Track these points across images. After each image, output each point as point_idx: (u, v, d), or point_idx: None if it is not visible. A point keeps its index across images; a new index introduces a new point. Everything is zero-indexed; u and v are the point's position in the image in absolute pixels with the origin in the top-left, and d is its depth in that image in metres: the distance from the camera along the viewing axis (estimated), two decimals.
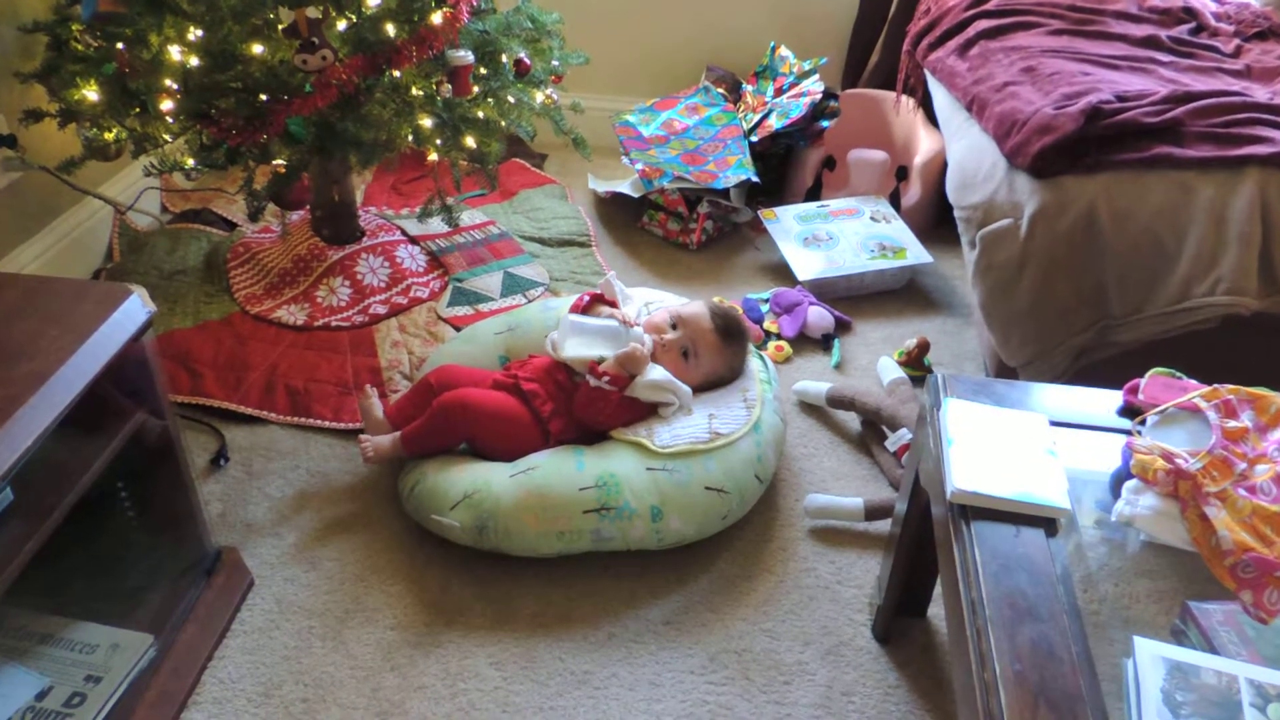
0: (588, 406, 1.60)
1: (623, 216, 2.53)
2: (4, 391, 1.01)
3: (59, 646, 1.25)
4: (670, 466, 1.53)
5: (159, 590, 1.37)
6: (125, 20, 1.63)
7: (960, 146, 1.93)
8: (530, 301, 2.14)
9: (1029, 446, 1.15)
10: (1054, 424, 1.21)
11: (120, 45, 1.65)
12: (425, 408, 1.61)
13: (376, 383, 1.88)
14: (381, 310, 2.07)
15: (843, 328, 2.17)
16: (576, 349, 1.64)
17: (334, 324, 2.02)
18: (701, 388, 1.70)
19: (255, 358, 1.92)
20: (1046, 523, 1.07)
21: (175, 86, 1.65)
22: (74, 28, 1.74)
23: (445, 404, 1.57)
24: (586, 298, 1.77)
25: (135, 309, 1.16)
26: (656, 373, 1.62)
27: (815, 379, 1.97)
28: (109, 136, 1.77)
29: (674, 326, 1.70)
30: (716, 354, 1.69)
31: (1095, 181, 1.60)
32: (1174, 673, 0.92)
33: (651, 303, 1.86)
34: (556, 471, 1.50)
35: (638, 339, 1.65)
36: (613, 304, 1.78)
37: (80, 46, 1.72)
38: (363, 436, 1.62)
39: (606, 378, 1.58)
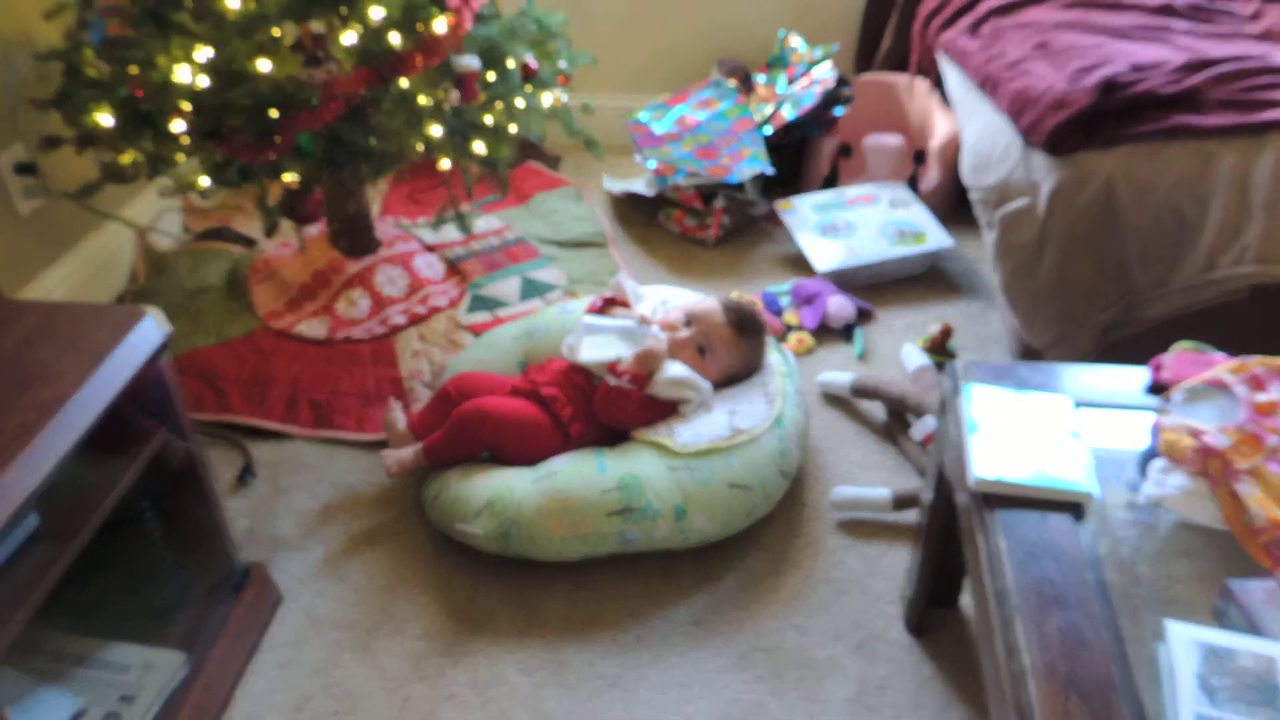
0: (608, 407, 1.59)
1: (639, 215, 2.53)
2: (23, 418, 1.02)
3: (93, 667, 1.26)
4: (692, 465, 1.52)
5: (189, 608, 1.38)
6: (134, 43, 1.65)
7: (974, 127, 1.91)
8: (548, 305, 2.14)
9: (1053, 430, 1.13)
10: (1080, 405, 1.19)
11: (131, 69, 1.67)
12: (446, 417, 1.61)
13: (398, 393, 1.88)
14: (401, 320, 2.07)
15: (865, 317, 2.15)
16: (594, 351, 1.64)
17: (354, 336, 2.02)
18: (720, 384, 1.69)
19: (278, 373, 1.93)
20: (1073, 507, 1.05)
21: (186, 107, 1.67)
22: (87, 53, 1.76)
23: (464, 414, 1.57)
24: (600, 300, 1.77)
25: (151, 330, 1.16)
26: (675, 369, 1.62)
27: (839, 370, 1.97)
28: (125, 160, 1.79)
29: (688, 324, 1.69)
30: (732, 349, 1.68)
31: (1113, 156, 1.58)
32: (1209, 657, 0.89)
33: (666, 300, 1.85)
34: (578, 475, 1.50)
35: (655, 336, 1.65)
36: (625, 305, 1.78)
37: (93, 72, 1.75)
38: (385, 452, 1.63)
39: (626, 377, 1.57)
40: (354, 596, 1.51)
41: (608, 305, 1.77)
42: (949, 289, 2.24)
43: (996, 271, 1.77)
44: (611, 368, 1.59)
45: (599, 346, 1.64)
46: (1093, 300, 1.64)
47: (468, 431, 1.57)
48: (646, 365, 1.60)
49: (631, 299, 1.80)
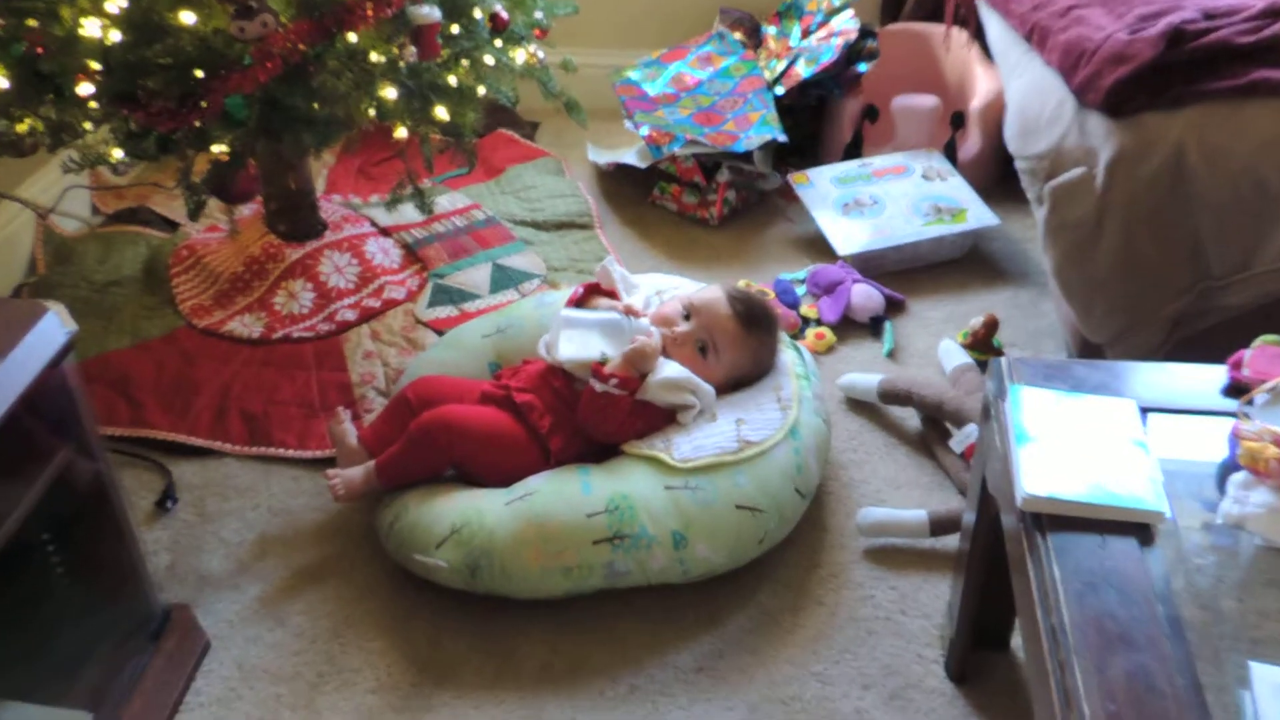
0: (594, 416, 1.59)
1: (630, 191, 2.52)
2: None
3: None
4: (693, 483, 1.53)
5: (98, 660, 1.36)
6: None
7: (1020, 85, 1.91)
8: (524, 296, 2.14)
9: (1115, 439, 1.13)
10: (1146, 410, 1.19)
11: (30, 21, 1.66)
12: (404, 429, 1.61)
13: (347, 401, 1.88)
14: (350, 316, 2.07)
15: (895, 308, 2.15)
16: (573, 350, 1.64)
17: (296, 335, 2.02)
18: (725, 389, 1.69)
19: (205, 379, 1.93)
20: (1139, 529, 1.05)
21: (95, 66, 1.66)
22: None
23: (425, 426, 1.57)
24: (581, 290, 1.77)
25: (52, 330, 1.15)
26: (671, 369, 1.62)
27: (864, 370, 1.96)
28: (22, 128, 1.78)
29: (687, 317, 1.69)
30: (739, 346, 1.68)
31: (1182, 117, 1.58)
32: None
33: (662, 290, 1.86)
34: (559, 496, 1.50)
35: (644, 331, 1.65)
36: (612, 294, 1.78)
37: None
38: (332, 471, 1.62)
39: (614, 380, 1.58)
40: (295, 644, 1.50)
41: (590, 295, 1.77)
42: (993, 275, 2.24)
43: (1048, 254, 1.77)
44: (596, 370, 1.60)
45: (579, 344, 1.64)
46: (1160, 287, 1.63)
47: (429, 446, 1.57)
48: (636, 366, 1.60)
49: (620, 288, 1.80)
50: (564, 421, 1.62)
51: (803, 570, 1.61)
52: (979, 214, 2.27)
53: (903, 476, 1.77)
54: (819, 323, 2.10)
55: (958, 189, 2.33)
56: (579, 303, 1.75)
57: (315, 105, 1.73)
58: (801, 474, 1.60)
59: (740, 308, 1.69)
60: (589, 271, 2.20)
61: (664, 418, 1.63)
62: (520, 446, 1.59)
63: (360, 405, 1.88)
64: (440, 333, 2.02)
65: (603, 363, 1.61)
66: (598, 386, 1.58)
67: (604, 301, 1.75)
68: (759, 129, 2.40)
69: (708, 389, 1.64)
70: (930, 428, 1.83)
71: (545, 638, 1.50)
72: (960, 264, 2.27)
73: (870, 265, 2.21)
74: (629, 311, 1.69)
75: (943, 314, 2.14)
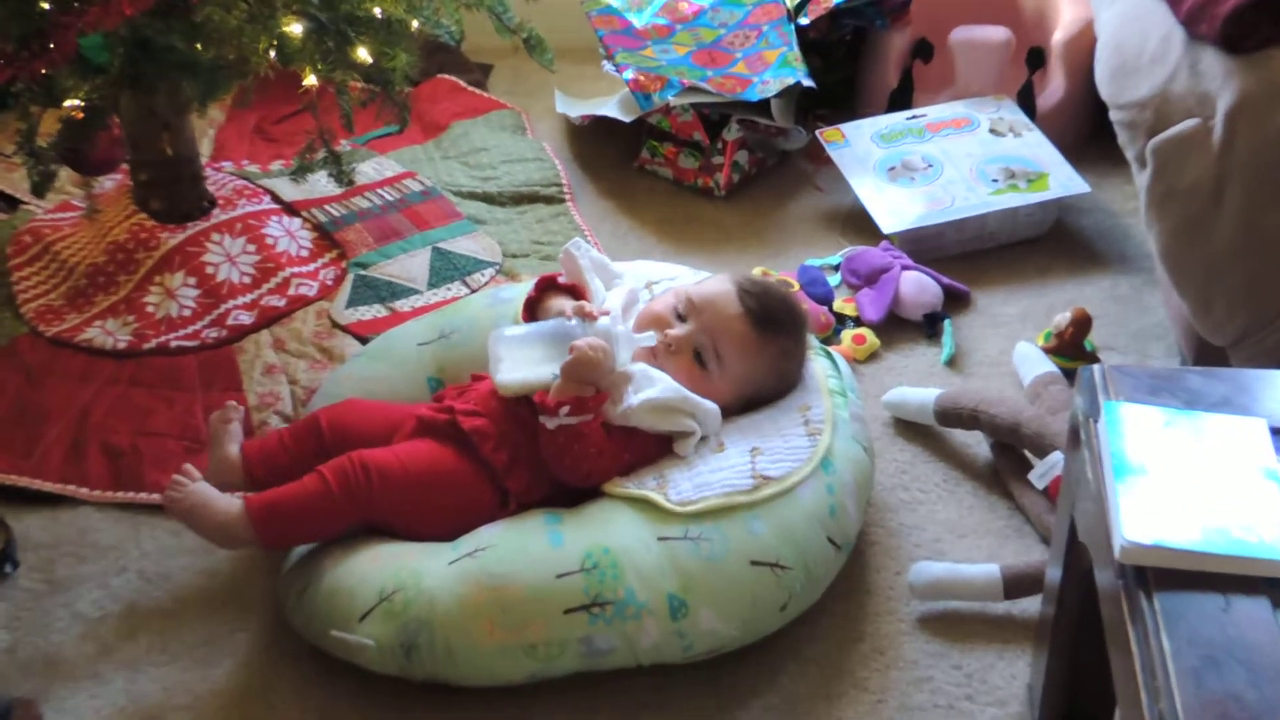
0: (560, 459, 1.58)
1: (612, 152, 2.52)
2: None
3: None
4: (695, 532, 1.51)
5: None
6: None
7: (1113, 14, 1.92)
8: (474, 292, 2.13)
9: (1241, 469, 1.13)
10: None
11: None
12: (306, 462, 1.60)
13: (244, 429, 1.85)
14: (246, 319, 2.07)
15: (956, 302, 2.16)
16: (514, 371, 1.62)
17: (175, 345, 2.02)
18: (735, 409, 1.69)
19: (55, 405, 1.92)
20: (1272, 587, 1.05)
21: None
22: None
23: (340, 473, 1.54)
24: (534, 289, 1.76)
25: None
26: (660, 388, 1.61)
27: (917, 384, 1.96)
28: None
29: (682, 317, 1.69)
30: (752, 354, 1.67)
31: None
32: None
33: (654, 282, 1.86)
34: (520, 551, 1.49)
35: (603, 334, 1.62)
36: (576, 291, 1.77)
37: None
38: (187, 469, 1.58)
39: (564, 408, 1.57)
40: None
41: (547, 294, 1.76)
42: (1083, 258, 2.25)
43: (1153, 230, 1.77)
44: (539, 401, 1.57)
45: (521, 364, 1.62)
46: None
47: (342, 500, 1.54)
48: (581, 382, 1.57)
49: (592, 280, 1.79)
50: (526, 455, 1.60)
51: (839, 645, 1.59)
52: (1063, 179, 2.27)
53: (968, 521, 1.76)
54: (858, 322, 2.10)
55: (1036, 147, 2.33)
56: (532, 304, 1.76)
57: (198, 46, 1.73)
58: (836, 519, 1.59)
59: (753, 304, 1.68)
60: (558, 258, 2.19)
61: (656, 447, 1.62)
62: (468, 489, 1.58)
63: (259, 434, 1.86)
64: (364, 340, 2.02)
65: (549, 388, 1.60)
66: (549, 423, 1.57)
67: (558, 304, 1.73)
68: (778, 71, 2.40)
69: (710, 409, 1.63)
70: (1003, 457, 1.82)
71: None
72: (1040, 244, 2.28)
73: (924, 247, 2.22)
74: (581, 315, 1.67)
75: (1018, 309, 2.14)
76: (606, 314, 1.69)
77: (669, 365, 1.66)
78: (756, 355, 1.68)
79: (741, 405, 1.70)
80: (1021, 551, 1.70)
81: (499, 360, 1.64)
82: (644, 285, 1.85)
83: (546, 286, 1.77)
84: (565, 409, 1.56)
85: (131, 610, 1.64)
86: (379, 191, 2.36)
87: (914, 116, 2.43)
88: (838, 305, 2.12)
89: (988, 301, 2.15)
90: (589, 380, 1.58)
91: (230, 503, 1.56)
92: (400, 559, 1.53)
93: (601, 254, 1.87)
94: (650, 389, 1.61)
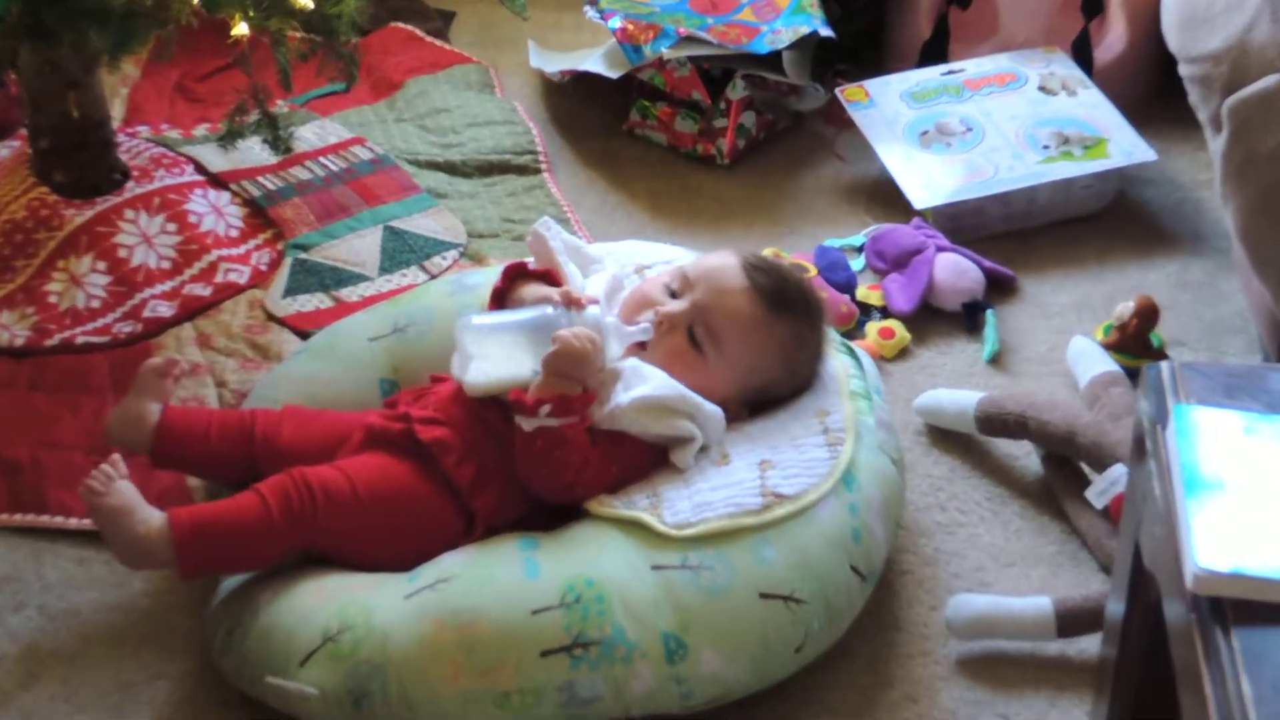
0: (537, 469, 1.57)
1: (596, 115, 2.53)
2: None
3: None
4: (695, 560, 1.51)
5: None
6: None
7: None
8: (433, 278, 2.13)
9: None
10: None
11: None
12: (225, 464, 1.62)
13: None
14: (166, 310, 2.07)
15: (1000, 289, 2.16)
16: (489, 369, 1.61)
17: (82, 340, 2.02)
18: (738, 405, 1.69)
19: None
20: None
21: None
22: None
23: (282, 493, 1.53)
24: (501, 278, 1.75)
25: None
26: (654, 383, 1.60)
27: (955, 385, 1.96)
28: None
29: (675, 294, 1.68)
30: (756, 336, 1.66)
31: None
32: None
33: (646, 266, 1.86)
34: (489, 583, 1.49)
35: (591, 324, 1.62)
36: (551, 278, 1.75)
37: None
38: (104, 469, 1.54)
39: (545, 407, 1.56)
40: None
41: (516, 282, 1.75)
42: (1149, 238, 2.26)
43: (1230, 205, 1.77)
44: (517, 399, 1.56)
45: (497, 359, 1.61)
46: None
47: (285, 523, 1.52)
48: (566, 376, 1.56)
49: (565, 264, 1.77)
50: (495, 469, 1.60)
51: (865, 692, 1.58)
52: (1125, 145, 2.26)
53: (1015, 546, 1.75)
54: (885, 313, 2.10)
55: (1092, 108, 2.33)
56: (500, 295, 1.75)
57: None
58: (860, 544, 1.58)
59: (762, 279, 1.67)
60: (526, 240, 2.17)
61: (648, 458, 1.62)
62: (427, 510, 1.58)
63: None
64: (305, 335, 2.01)
65: (527, 386, 1.59)
66: (526, 424, 1.56)
67: (532, 290, 1.73)
68: (790, 19, 2.40)
69: (711, 410, 1.62)
70: (1056, 472, 1.81)
71: None
72: (1099, 222, 2.28)
73: (963, 224, 2.22)
74: (567, 303, 1.66)
75: (1073, 298, 2.14)
76: (595, 302, 1.70)
77: (661, 352, 1.65)
78: (762, 339, 1.67)
79: (745, 404, 1.69)
80: (1077, 582, 1.69)
81: (468, 355, 1.63)
82: (633, 270, 1.84)
83: (516, 275, 1.75)
84: (546, 408, 1.55)
85: (31, 652, 1.62)
86: (322, 160, 2.34)
87: (950, 72, 2.42)
88: (861, 293, 2.12)
89: (1037, 288, 2.15)
90: (575, 376, 1.57)
91: (152, 515, 1.54)
92: (348, 592, 1.52)
93: (581, 236, 1.87)
94: (642, 385, 1.60)
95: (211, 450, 1.66)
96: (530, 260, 1.78)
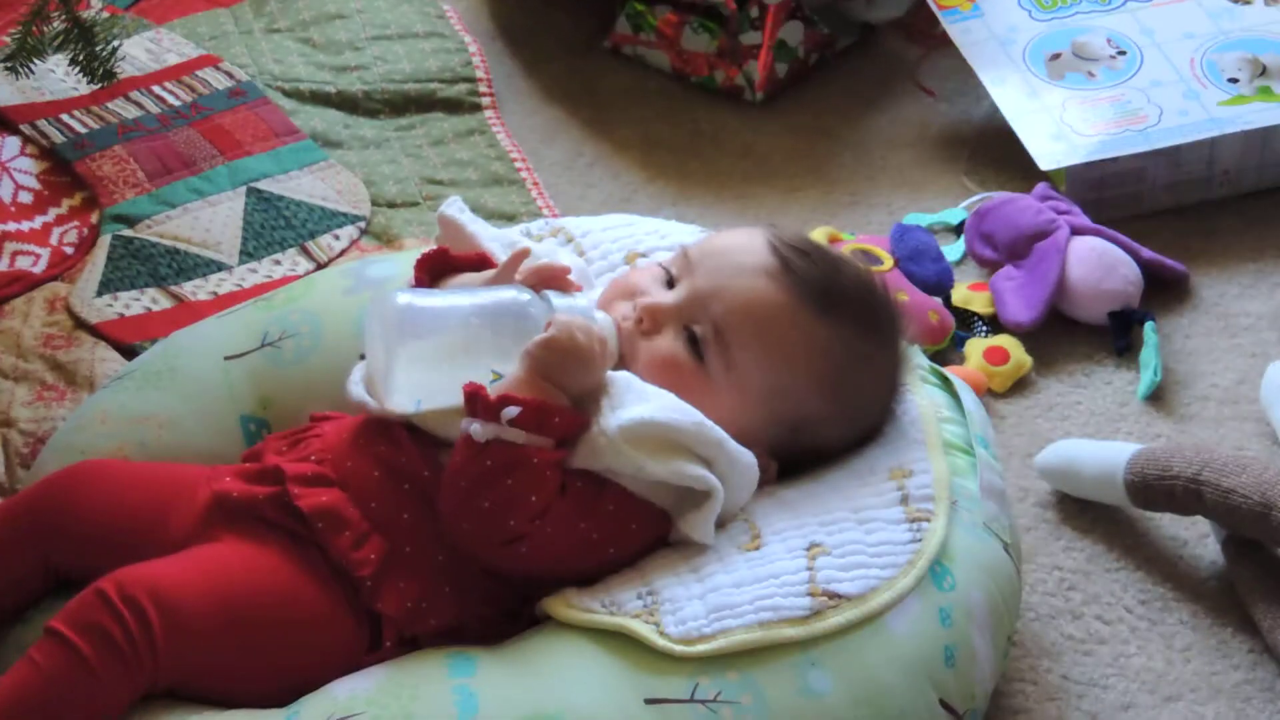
0: (479, 492, 1.50)
1: (566, 25, 2.55)
2: None
3: None
4: (711, 690, 1.45)
5: None
6: None
7: None
8: (321, 267, 2.11)
9: None
10: None
11: None
12: (12, 581, 1.58)
13: None
14: None
15: (1165, 291, 2.12)
16: (426, 379, 1.57)
17: None
18: (762, 452, 1.61)
19: None
20: None
21: None
22: None
23: (93, 627, 1.45)
24: (418, 268, 1.72)
25: None
26: (653, 404, 1.53)
27: (1097, 433, 1.94)
28: None
29: (671, 281, 1.64)
30: (785, 344, 1.60)
31: None
32: None
33: (642, 253, 1.83)
34: None
35: (585, 314, 1.58)
36: (486, 264, 1.73)
37: None
38: None
39: (513, 410, 1.48)
40: None
41: (435, 278, 1.73)
42: None
43: None
44: (472, 392, 1.50)
45: (434, 365, 1.57)
46: None
47: (110, 671, 1.46)
48: (556, 374, 1.54)
49: (493, 250, 1.73)
50: (415, 551, 1.54)
51: None
52: None
53: (1181, 672, 1.70)
54: (995, 326, 2.10)
55: None
56: (425, 280, 1.71)
57: None
58: (955, 669, 1.52)
59: (801, 263, 1.59)
60: (478, 210, 2.02)
61: (641, 523, 1.56)
62: (310, 619, 1.52)
63: None
64: (130, 350, 2.01)
65: (494, 380, 1.52)
66: (478, 430, 1.49)
67: (456, 281, 1.69)
68: None
69: (740, 454, 1.53)
70: (1244, 562, 1.77)
71: None
72: None
73: (1111, 195, 2.19)
74: (548, 281, 1.62)
75: (1271, 307, 2.11)
76: (576, 283, 1.63)
77: (645, 361, 1.61)
78: (795, 349, 1.60)
79: (773, 450, 1.62)
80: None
81: (392, 358, 1.54)
82: (621, 259, 1.81)
83: (436, 267, 1.71)
84: (512, 411, 1.49)
85: None
86: (157, 90, 2.35)
87: None
88: (959, 296, 2.08)
89: (1217, 291, 2.11)
90: (565, 382, 1.55)
91: None
92: None
93: (543, 207, 1.89)
94: (640, 405, 1.52)
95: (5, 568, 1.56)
96: (447, 247, 1.71)
